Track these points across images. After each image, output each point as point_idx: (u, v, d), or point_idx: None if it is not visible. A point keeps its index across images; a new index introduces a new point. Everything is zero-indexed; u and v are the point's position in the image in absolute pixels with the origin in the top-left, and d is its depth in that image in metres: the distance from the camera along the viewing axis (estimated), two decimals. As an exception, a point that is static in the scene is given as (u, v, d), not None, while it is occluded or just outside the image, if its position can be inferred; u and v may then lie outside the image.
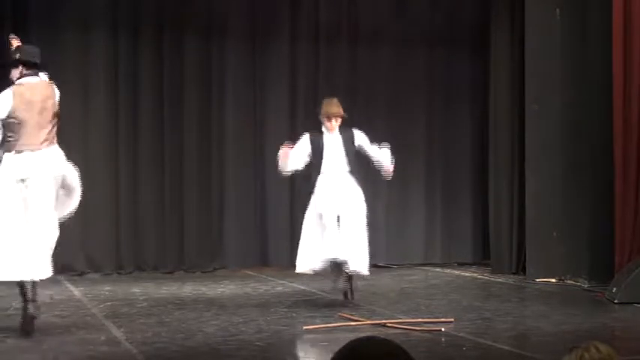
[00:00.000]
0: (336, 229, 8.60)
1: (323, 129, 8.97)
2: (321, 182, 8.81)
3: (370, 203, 12.74)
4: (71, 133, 11.70)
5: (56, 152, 7.65)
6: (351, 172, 8.87)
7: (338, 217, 8.64)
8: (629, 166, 10.13)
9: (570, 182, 10.93)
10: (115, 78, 11.82)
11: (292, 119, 12.56)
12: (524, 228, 11.63)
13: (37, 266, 7.44)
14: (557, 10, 11.12)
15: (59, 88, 11.58)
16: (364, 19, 12.86)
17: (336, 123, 8.94)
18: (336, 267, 8.77)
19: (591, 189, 10.61)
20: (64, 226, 11.51)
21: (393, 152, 12.80)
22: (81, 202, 11.62)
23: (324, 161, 8.84)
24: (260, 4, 12.45)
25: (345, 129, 9.01)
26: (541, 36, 11.33)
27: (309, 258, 8.73)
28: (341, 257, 8.58)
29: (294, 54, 12.60)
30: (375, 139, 12.83)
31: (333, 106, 9.03)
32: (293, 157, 8.91)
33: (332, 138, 8.91)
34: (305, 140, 8.97)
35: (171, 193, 12.01)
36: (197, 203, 12.09)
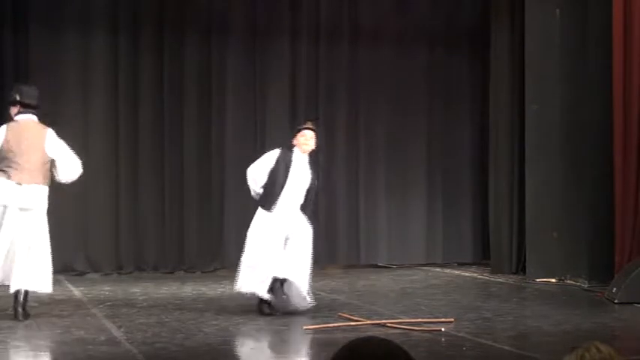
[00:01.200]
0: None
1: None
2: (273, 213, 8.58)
3: (371, 203, 12.86)
4: (71, 132, 11.68)
5: (43, 193, 8.03)
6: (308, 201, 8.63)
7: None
8: (629, 166, 10.13)
9: (570, 182, 10.93)
10: (115, 78, 11.82)
11: (293, 119, 12.54)
12: (524, 228, 11.64)
13: (33, 278, 7.93)
14: (557, 10, 11.12)
15: (59, 87, 11.66)
16: (364, 18, 12.86)
17: (311, 142, 8.62)
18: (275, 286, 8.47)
19: (591, 189, 10.61)
20: (64, 226, 11.58)
21: (394, 151, 12.90)
22: (81, 202, 11.70)
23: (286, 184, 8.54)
24: (260, 3, 12.45)
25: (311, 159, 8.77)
26: (541, 36, 11.33)
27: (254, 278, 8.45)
28: (283, 276, 8.35)
29: (294, 54, 12.60)
30: (375, 138, 12.90)
31: (307, 123, 8.86)
32: None
33: (299, 161, 8.58)
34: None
35: (171, 193, 12.01)
36: (197, 203, 12.09)
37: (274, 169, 8.48)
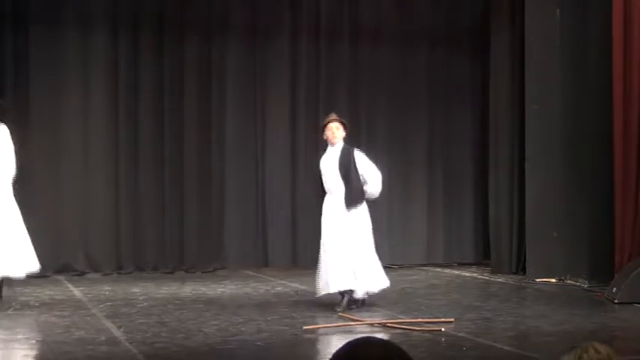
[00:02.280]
0: (337, 258, 8.49)
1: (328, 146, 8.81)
2: (325, 203, 8.70)
3: (371, 204, 12.83)
4: (71, 132, 11.73)
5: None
6: (350, 190, 8.59)
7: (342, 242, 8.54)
8: (629, 166, 10.13)
9: (570, 182, 10.93)
10: (115, 78, 11.82)
11: (293, 119, 12.56)
12: (524, 228, 11.64)
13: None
14: (557, 10, 11.12)
15: (59, 87, 11.66)
16: (365, 18, 12.86)
17: (337, 132, 8.73)
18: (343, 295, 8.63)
19: (591, 189, 10.61)
20: (65, 226, 11.59)
21: (394, 152, 12.89)
22: (81, 202, 11.70)
23: (324, 180, 8.71)
24: (260, 3, 12.45)
25: (347, 147, 8.78)
26: (541, 36, 11.33)
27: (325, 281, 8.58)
28: (347, 287, 8.51)
29: (295, 53, 12.60)
30: (375, 138, 12.89)
31: (330, 116, 8.91)
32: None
33: (332, 153, 8.71)
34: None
35: (171, 193, 12.01)
36: (197, 203, 12.09)
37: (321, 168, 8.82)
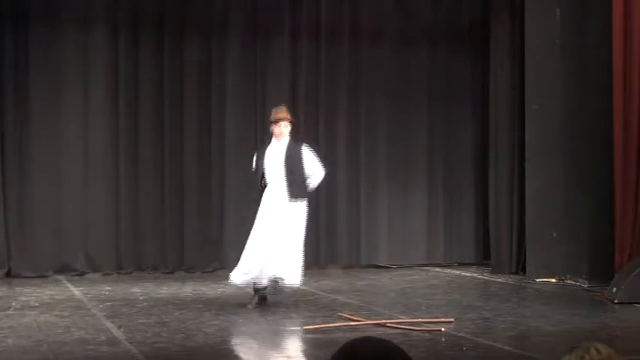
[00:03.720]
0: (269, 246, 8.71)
1: (272, 139, 9.08)
2: (265, 194, 8.94)
3: (371, 204, 12.85)
4: (71, 132, 11.72)
5: None
6: (288, 181, 8.87)
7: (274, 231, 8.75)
8: (629, 166, 10.13)
9: (570, 182, 10.93)
10: (115, 78, 11.82)
11: (293, 118, 12.53)
12: (524, 228, 11.64)
13: None
14: (557, 10, 11.11)
15: (59, 87, 11.66)
16: (365, 17, 12.85)
17: (284, 129, 9.01)
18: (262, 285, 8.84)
19: (591, 189, 10.61)
20: (65, 226, 11.59)
21: (394, 151, 12.89)
22: (81, 202, 11.70)
23: (267, 172, 8.97)
24: (260, 3, 12.44)
25: (295, 143, 9.09)
26: (541, 36, 11.33)
27: (245, 270, 8.84)
28: (276, 274, 8.69)
29: (295, 53, 12.59)
30: (376, 138, 12.89)
31: (280, 112, 9.13)
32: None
33: (278, 147, 8.99)
34: (254, 157, 9.14)
35: (171, 192, 12.00)
36: (197, 203, 12.08)
37: (256, 160, 9.15)
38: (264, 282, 8.77)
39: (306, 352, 7.22)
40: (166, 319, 8.19)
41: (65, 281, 10.96)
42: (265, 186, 8.97)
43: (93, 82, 11.77)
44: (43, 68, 11.51)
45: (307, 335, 7.49)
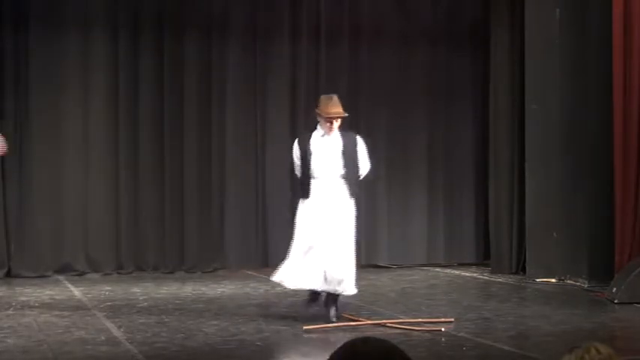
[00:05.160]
0: (321, 251, 7.98)
1: (318, 127, 8.22)
2: (313, 189, 8.13)
3: (371, 204, 12.84)
4: (71, 132, 11.73)
5: None
6: (346, 177, 8.13)
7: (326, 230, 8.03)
8: (629, 167, 10.13)
9: (570, 182, 10.92)
10: (115, 78, 11.82)
11: (293, 119, 12.55)
12: (524, 228, 11.64)
13: None
14: (557, 10, 11.11)
15: (59, 87, 11.67)
16: (365, 17, 12.85)
17: (336, 124, 8.18)
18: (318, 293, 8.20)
19: (591, 189, 10.61)
20: (65, 226, 11.59)
21: (394, 151, 12.89)
22: (81, 202, 11.71)
23: (314, 165, 8.12)
24: (260, 3, 12.44)
25: (347, 133, 8.34)
26: (541, 36, 11.33)
27: (295, 274, 8.07)
28: (336, 288, 8.00)
29: (295, 53, 12.59)
30: (376, 138, 12.87)
31: (334, 106, 8.21)
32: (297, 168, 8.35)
33: (329, 139, 8.17)
34: (295, 148, 8.33)
35: (171, 192, 12.00)
36: (197, 203, 12.08)
37: (301, 152, 8.31)
38: (320, 287, 8.06)
39: (306, 352, 7.21)
40: (166, 319, 8.19)
41: (65, 281, 10.96)
42: (309, 180, 8.17)
43: (93, 82, 11.77)
44: (43, 68, 11.51)
45: (307, 335, 7.49)
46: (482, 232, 13.10)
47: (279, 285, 9.77)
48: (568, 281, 10.83)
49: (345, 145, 8.16)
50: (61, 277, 11.22)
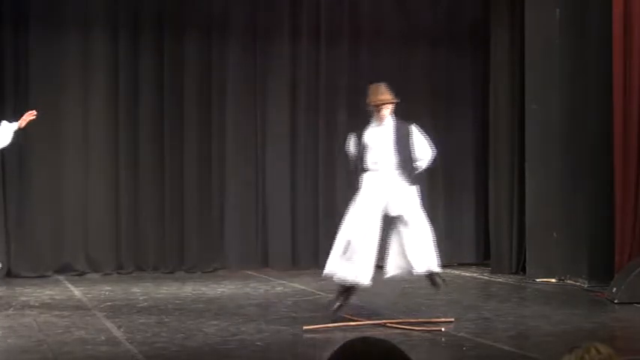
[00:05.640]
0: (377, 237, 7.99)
1: (372, 120, 8.17)
2: (369, 182, 8.09)
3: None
4: (71, 132, 11.73)
5: None
6: (401, 168, 8.04)
7: (392, 220, 8.03)
8: (629, 167, 10.13)
9: (570, 182, 10.92)
10: (115, 78, 11.82)
11: (293, 119, 12.55)
12: (524, 228, 11.64)
13: None
14: (557, 10, 11.11)
15: (59, 87, 11.67)
16: (365, 17, 12.85)
17: (387, 111, 8.11)
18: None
19: (591, 189, 10.61)
20: (65, 226, 11.59)
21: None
22: (81, 202, 11.71)
23: (369, 157, 8.08)
24: (260, 3, 12.44)
25: (402, 123, 8.21)
26: (541, 36, 11.33)
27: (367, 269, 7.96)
28: (428, 267, 8.09)
29: (295, 53, 12.59)
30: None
31: (382, 94, 8.16)
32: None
33: (382, 129, 8.11)
34: (349, 142, 8.31)
35: (171, 192, 12.01)
36: (197, 203, 12.08)
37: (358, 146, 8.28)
38: (397, 273, 8.15)
39: (306, 352, 7.21)
40: (166, 319, 8.19)
41: (65, 281, 10.96)
42: (363, 172, 8.10)
43: (93, 82, 11.77)
44: (43, 68, 11.51)
45: (307, 335, 7.49)
46: (482, 232, 13.09)
47: (279, 285, 9.80)
48: (568, 281, 10.83)
49: (398, 136, 8.09)
50: (61, 277, 11.22)
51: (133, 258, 11.86)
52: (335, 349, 2.13)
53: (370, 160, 8.08)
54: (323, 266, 12.79)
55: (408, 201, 8.01)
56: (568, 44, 10.99)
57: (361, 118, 12.75)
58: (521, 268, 11.75)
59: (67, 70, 11.67)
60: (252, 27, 12.42)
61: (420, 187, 8.30)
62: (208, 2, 12.23)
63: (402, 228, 8.05)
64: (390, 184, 8.02)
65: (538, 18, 11.35)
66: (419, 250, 8.10)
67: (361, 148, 8.13)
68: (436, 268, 8.27)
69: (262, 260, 12.34)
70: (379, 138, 8.08)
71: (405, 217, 8.01)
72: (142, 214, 11.89)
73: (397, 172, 8.06)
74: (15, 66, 11.46)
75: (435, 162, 8.93)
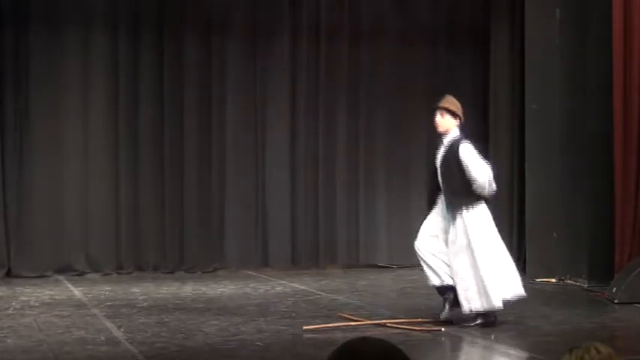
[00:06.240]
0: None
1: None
2: (435, 201, 7.89)
3: (371, 203, 12.84)
4: (71, 132, 11.73)
5: None
6: (447, 190, 7.69)
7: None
8: (629, 167, 10.13)
9: (570, 182, 10.92)
10: (115, 78, 11.81)
11: (293, 119, 12.55)
12: (524, 228, 11.63)
13: None
14: (557, 10, 11.11)
15: (59, 87, 11.66)
16: (365, 17, 12.84)
17: (441, 120, 7.75)
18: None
19: (591, 189, 10.61)
20: (64, 226, 11.58)
21: (394, 151, 12.87)
22: (81, 202, 11.70)
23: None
24: (260, 3, 12.43)
25: (454, 141, 7.84)
26: (541, 36, 11.33)
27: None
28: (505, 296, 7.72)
29: (295, 53, 12.59)
30: (375, 138, 12.88)
31: (443, 101, 7.95)
32: None
33: (441, 150, 7.76)
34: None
35: (171, 192, 12.00)
36: (197, 203, 12.08)
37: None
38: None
39: (306, 352, 7.21)
40: (166, 319, 8.19)
41: (65, 281, 10.95)
42: (431, 190, 7.88)
43: (93, 82, 11.77)
44: (43, 68, 11.50)
45: (307, 335, 7.49)
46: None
47: (279, 285, 9.79)
48: (568, 281, 10.83)
49: (445, 156, 7.71)
50: (61, 277, 11.21)
51: (133, 258, 11.85)
52: (335, 349, 2.13)
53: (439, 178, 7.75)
54: (323, 266, 12.86)
55: (455, 230, 7.69)
56: (568, 44, 10.99)
57: (361, 118, 12.82)
58: (521, 268, 11.72)
59: (67, 70, 11.67)
60: (252, 27, 12.41)
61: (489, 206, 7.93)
62: (208, 2, 12.22)
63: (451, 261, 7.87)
64: (444, 206, 7.74)
65: (538, 18, 11.35)
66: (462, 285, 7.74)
67: (433, 164, 7.90)
68: (520, 293, 7.89)
69: (262, 260, 12.34)
70: (439, 157, 7.80)
71: (451, 249, 7.84)
72: (142, 214, 11.88)
73: (445, 196, 7.73)
74: (15, 66, 11.45)
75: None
